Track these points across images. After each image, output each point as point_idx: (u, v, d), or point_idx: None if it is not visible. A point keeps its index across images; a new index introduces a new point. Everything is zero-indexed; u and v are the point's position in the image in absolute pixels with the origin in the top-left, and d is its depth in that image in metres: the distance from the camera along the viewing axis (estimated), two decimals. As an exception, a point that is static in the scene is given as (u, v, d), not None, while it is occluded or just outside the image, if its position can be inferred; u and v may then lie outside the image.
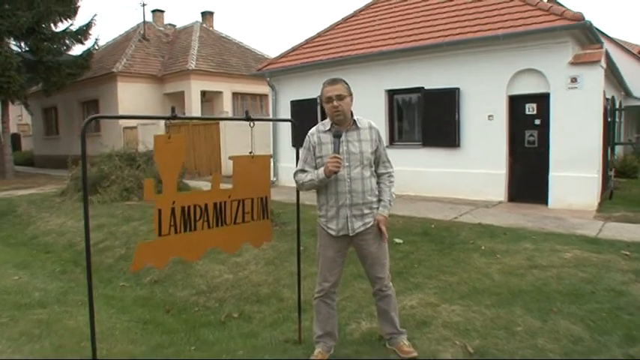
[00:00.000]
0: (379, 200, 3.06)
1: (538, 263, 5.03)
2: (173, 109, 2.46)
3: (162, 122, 14.61)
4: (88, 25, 17.68)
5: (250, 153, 3.10)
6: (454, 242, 6.00)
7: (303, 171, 3.04)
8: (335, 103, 2.89)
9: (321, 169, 2.89)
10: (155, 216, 2.48)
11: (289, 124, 12.22)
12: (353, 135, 2.98)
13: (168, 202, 2.53)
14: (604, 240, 5.92)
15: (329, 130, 2.99)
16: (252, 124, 3.10)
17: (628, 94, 16.35)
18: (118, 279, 5.76)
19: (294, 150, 11.70)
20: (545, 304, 3.95)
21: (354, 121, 3.00)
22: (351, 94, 3.00)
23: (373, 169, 3.06)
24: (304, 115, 11.10)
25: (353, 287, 4.59)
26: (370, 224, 3.01)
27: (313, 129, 3.08)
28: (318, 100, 11.65)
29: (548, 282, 4.49)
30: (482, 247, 5.68)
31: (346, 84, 2.98)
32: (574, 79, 7.92)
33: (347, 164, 2.92)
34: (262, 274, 5.36)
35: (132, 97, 18.15)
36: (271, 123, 12.76)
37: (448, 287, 4.50)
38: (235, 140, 14.26)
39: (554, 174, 8.30)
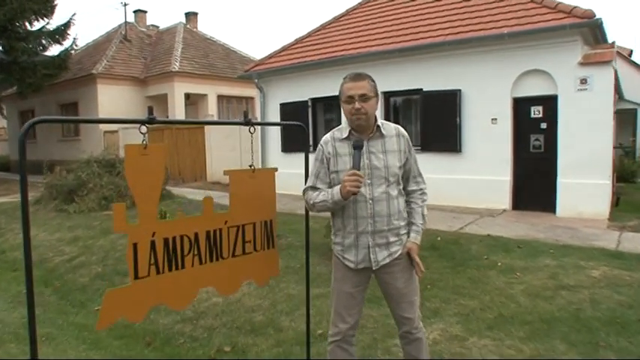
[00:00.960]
0: (409, 223, 2.48)
1: (565, 283, 4.53)
2: (151, 110, 1.83)
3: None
4: (67, 25, 16.93)
5: (251, 166, 2.46)
6: (466, 258, 5.48)
7: (314, 188, 2.43)
8: (357, 105, 2.28)
9: (337, 189, 2.28)
10: (129, 253, 1.82)
11: (278, 128, 11.64)
12: (377, 145, 2.38)
13: (146, 234, 1.88)
14: (627, 253, 5.48)
15: (347, 138, 2.38)
16: (252, 129, 2.49)
17: (621, 97, 16.14)
18: (93, 302, 5.07)
19: (283, 155, 11.35)
20: (589, 336, 3.43)
21: (378, 126, 2.39)
22: (377, 95, 2.38)
23: (401, 186, 2.47)
24: (294, 118, 10.46)
25: (363, 314, 4.01)
26: (398, 254, 2.42)
27: (327, 136, 2.47)
28: (310, 103, 11.10)
29: (583, 307, 3.98)
30: (499, 264, 5.19)
31: (373, 82, 2.35)
32: (584, 80, 7.48)
33: (369, 181, 2.32)
34: (256, 297, 4.75)
35: (112, 99, 17.38)
36: (259, 127, 12.06)
37: (471, 314, 3.96)
38: (220, 145, 13.67)
39: (562, 180, 7.85)
